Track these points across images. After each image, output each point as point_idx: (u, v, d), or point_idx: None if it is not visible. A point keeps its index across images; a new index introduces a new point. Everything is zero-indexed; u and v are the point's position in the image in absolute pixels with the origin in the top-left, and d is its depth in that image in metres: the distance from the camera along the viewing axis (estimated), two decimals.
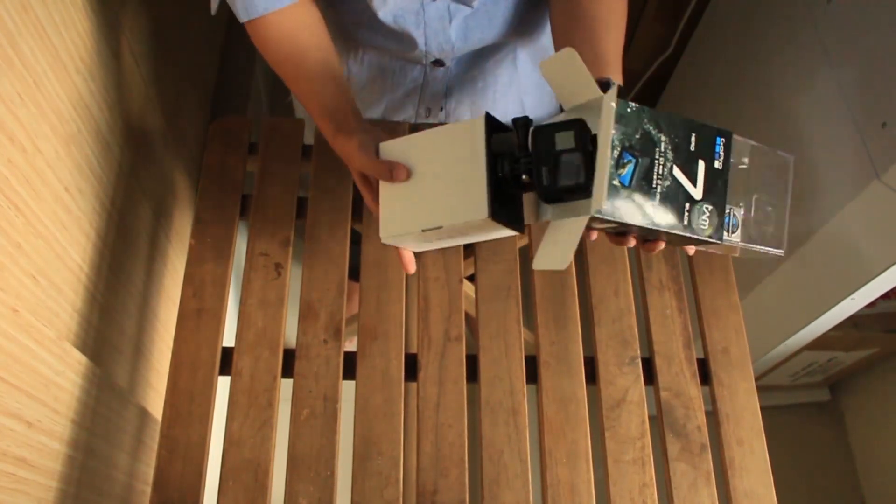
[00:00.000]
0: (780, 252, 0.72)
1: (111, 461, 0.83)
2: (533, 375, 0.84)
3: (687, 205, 0.69)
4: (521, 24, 0.85)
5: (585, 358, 0.86)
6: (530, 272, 0.90)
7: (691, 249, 0.73)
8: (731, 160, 0.70)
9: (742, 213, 0.70)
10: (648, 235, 0.67)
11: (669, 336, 0.88)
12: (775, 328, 1.23)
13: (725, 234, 0.69)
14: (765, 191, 0.74)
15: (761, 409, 0.85)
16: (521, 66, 0.91)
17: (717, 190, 0.70)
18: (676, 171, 0.70)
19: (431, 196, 0.64)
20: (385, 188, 0.67)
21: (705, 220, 0.69)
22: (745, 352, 0.88)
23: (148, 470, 0.93)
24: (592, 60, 0.68)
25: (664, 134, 0.69)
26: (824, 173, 0.98)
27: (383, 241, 0.67)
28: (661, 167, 0.68)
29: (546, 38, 0.91)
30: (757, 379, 0.87)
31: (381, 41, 0.84)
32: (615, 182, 0.63)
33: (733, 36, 1.29)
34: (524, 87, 0.95)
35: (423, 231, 0.63)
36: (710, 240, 0.68)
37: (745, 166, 0.72)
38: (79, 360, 0.72)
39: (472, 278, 0.93)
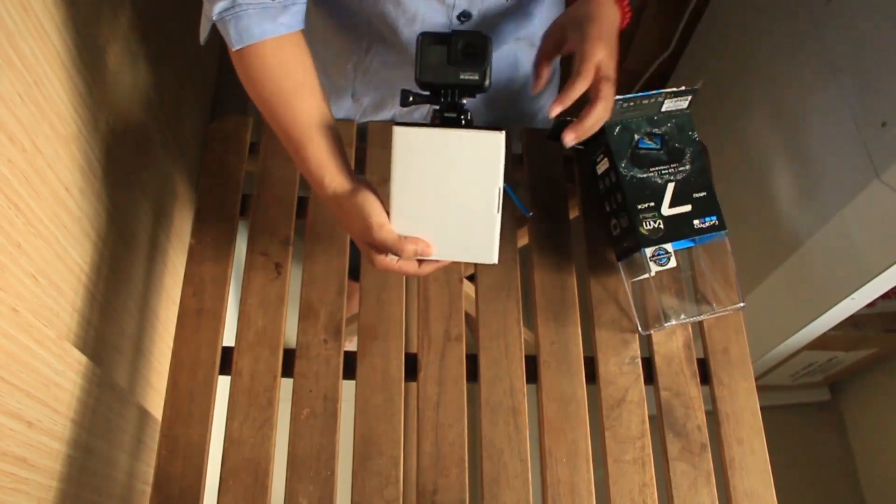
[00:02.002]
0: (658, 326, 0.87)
1: (111, 461, 0.83)
2: (533, 375, 0.84)
3: (651, 202, 0.82)
4: (522, 23, 0.86)
5: (585, 358, 0.86)
6: (530, 272, 0.90)
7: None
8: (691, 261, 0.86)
9: (670, 261, 0.81)
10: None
11: (669, 336, 0.88)
12: (775, 328, 1.23)
13: (647, 250, 0.81)
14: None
15: (761, 409, 0.85)
16: (521, 55, 0.92)
17: (672, 229, 0.82)
18: (670, 185, 0.83)
19: (462, 191, 0.64)
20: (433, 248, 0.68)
21: (650, 224, 0.81)
22: (745, 352, 0.88)
23: (148, 470, 0.93)
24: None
25: (689, 165, 0.84)
26: (824, 173, 0.98)
27: (494, 262, 0.67)
28: (665, 171, 0.79)
29: (540, 28, 0.92)
30: (757, 379, 0.87)
31: (395, 59, 0.84)
32: (638, 141, 0.83)
33: (733, 36, 1.29)
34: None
35: (497, 213, 0.64)
36: (634, 228, 0.81)
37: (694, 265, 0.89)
38: (79, 359, 0.72)
39: (472, 278, 0.93)
